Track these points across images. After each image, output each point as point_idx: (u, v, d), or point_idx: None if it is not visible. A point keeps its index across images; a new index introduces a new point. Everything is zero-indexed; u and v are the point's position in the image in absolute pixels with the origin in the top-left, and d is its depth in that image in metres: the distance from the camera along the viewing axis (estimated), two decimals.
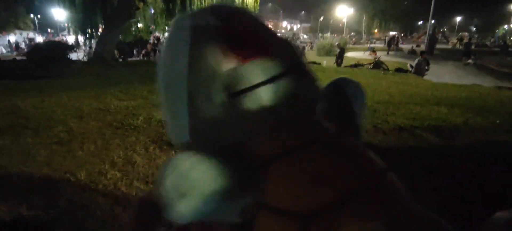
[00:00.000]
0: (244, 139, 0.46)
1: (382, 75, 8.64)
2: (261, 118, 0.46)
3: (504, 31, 41.30)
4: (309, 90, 0.52)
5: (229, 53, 0.46)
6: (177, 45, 0.49)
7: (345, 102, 0.58)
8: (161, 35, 16.29)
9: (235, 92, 0.45)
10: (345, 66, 12.07)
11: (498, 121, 3.46)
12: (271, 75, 0.47)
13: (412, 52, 18.68)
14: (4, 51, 25.27)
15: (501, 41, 25.99)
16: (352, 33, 45.70)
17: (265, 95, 0.46)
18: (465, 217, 1.60)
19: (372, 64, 11.76)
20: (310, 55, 18.82)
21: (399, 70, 10.45)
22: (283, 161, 0.42)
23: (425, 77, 9.30)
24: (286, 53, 0.50)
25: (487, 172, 2.13)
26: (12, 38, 29.05)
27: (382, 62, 11.68)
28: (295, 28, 61.45)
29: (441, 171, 2.14)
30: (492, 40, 35.75)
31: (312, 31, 50.20)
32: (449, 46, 28.94)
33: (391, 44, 23.19)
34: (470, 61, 14.31)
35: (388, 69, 10.73)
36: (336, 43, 17.50)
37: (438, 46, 22.76)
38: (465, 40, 22.13)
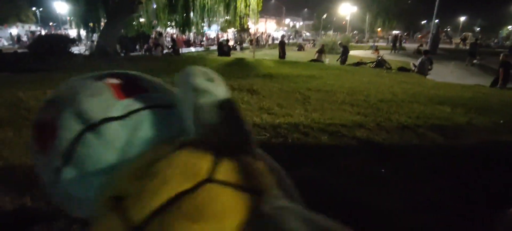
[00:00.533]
0: None
1: (385, 74, 8.59)
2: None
3: (508, 31, 41.04)
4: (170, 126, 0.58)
5: (113, 92, 0.56)
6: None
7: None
8: (164, 30, 16.25)
9: (107, 118, 0.52)
10: (348, 64, 12.02)
11: (501, 121, 3.44)
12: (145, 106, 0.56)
13: (417, 52, 18.54)
14: (5, 43, 25.27)
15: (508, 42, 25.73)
16: (355, 32, 45.51)
17: (123, 128, 0.53)
18: (469, 217, 1.58)
19: (374, 63, 11.72)
20: (313, 53, 18.76)
21: (402, 69, 10.40)
22: None
23: (428, 76, 9.26)
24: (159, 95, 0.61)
25: (491, 171, 2.12)
26: (14, 31, 29.05)
27: (385, 61, 11.63)
28: (297, 25, 61.19)
29: (445, 170, 2.12)
30: (495, 40, 35.55)
31: (315, 28, 49.98)
32: (452, 46, 28.79)
33: (396, 43, 23.04)
34: (475, 61, 14.24)
35: (391, 68, 10.69)
36: (339, 42, 17.41)
37: (441, 46, 22.66)
38: (469, 41, 21.98)
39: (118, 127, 0.52)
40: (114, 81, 0.59)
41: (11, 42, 25.59)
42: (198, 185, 0.41)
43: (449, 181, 1.96)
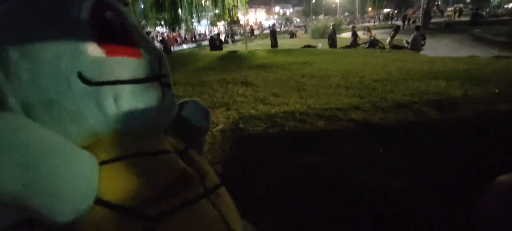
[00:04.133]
0: (85, 128, 0.44)
1: (378, 53, 8.57)
2: (113, 116, 0.45)
3: (499, 0, 40.84)
4: (166, 105, 0.54)
5: (95, 42, 0.44)
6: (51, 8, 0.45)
7: (187, 121, 0.67)
8: (153, 30, 16.06)
9: (93, 82, 0.43)
10: (341, 48, 11.96)
11: (497, 90, 3.44)
12: (133, 77, 0.47)
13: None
14: None
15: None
16: (346, 13, 45.14)
17: (124, 94, 0.45)
18: (468, 189, 1.59)
19: (367, 43, 11.68)
20: (305, 39, 18.64)
21: (395, 47, 10.38)
22: (120, 164, 0.42)
23: (422, 52, 9.24)
24: (153, 61, 0.51)
25: (488, 142, 2.13)
26: None
27: (378, 41, 11.60)
28: (288, 12, 60.67)
29: (441, 144, 2.13)
30: (487, 10, 35.38)
31: (305, 14, 49.56)
32: (445, 19, 28.64)
33: (405, 21, 22.71)
34: (477, 30, 14.18)
35: (384, 47, 10.66)
36: (332, 24, 17.21)
37: (434, 20, 22.52)
38: (463, 11, 21.69)
39: None
40: None
41: None
42: None
43: (446, 155, 1.96)
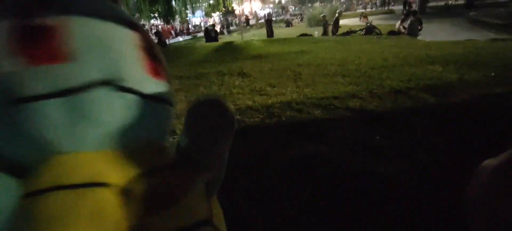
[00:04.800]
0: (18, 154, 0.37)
1: (375, 40, 8.53)
2: (45, 135, 0.37)
3: None
4: (131, 118, 0.42)
5: (18, 50, 0.36)
6: None
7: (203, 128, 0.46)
8: (148, 23, 15.89)
9: (18, 98, 0.35)
10: (338, 35, 11.88)
11: (493, 74, 3.45)
12: (64, 87, 0.37)
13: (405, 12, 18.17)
14: None
15: None
16: (342, 0, 44.72)
17: (52, 110, 0.36)
18: (462, 172, 1.61)
19: (364, 30, 11.60)
20: (301, 28, 18.49)
21: (392, 33, 10.31)
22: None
23: (419, 37, 9.19)
24: (101, 62, 0.39)
25: (482, 125, 2.14)
26: None
27: (374, 27, 11.50)
28: (283, 1, 60.01)
29: (437, 129, 2.14)
30: None
31: (301, 2, 49.04)
32: (442, 3, 28.38)
33: (405, 6, 22.21)
34: (472, 13, 14.09)
35: (381, 33, 10.59)
36: (322, 15, 16.90)
37: (432, 4, 22.32)
38: None
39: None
40: None
41: None
42: None
43: (441, 140, 1.98)
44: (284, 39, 10.41)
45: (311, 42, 8.77)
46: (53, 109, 0.37)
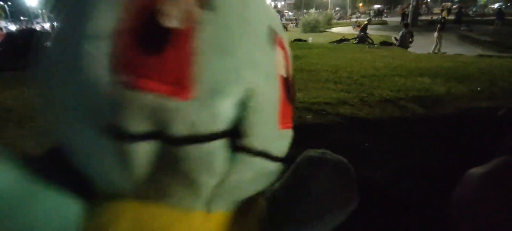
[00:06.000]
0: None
1: (367, 49, 8.68)
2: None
3: (485, 0, 41.83)
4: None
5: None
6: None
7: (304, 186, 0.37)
8: None
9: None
10: (331, 42, 12.04)
11: (479, 88, 3.57)
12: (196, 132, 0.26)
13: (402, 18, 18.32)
14: None
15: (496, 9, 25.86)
16: (336, 8, 45.35)
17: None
18: (450, 179, 1.67)
19: (357, 39, 11.79)
20: (296, 33, 18.64)
21: (384, 43, 10.52)
22: None
23: (409, 49, 9.41)
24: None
25: (468, 136, 2.22)
26: None
27: (367, 36, 11.71)
28: (279, 5, 60.39)
29: (424, 138, 2.21)
30: (474, 9, 36.19)
31: (296, 7, 49.51)
32: (433, 17, 29.14)
33: (404, 17, 22.17)
34: (463, 28, 14.52)
35: (373, 43, 10.79)
36: (354, 25, 16.09)
37: (423, 17, 22.87)
38: (452, 10, 22.11)
39: None
40: None
41: None
42: None
43: (428, 148, 2.05)
44: None
45: (305, 47, 8.86)
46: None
